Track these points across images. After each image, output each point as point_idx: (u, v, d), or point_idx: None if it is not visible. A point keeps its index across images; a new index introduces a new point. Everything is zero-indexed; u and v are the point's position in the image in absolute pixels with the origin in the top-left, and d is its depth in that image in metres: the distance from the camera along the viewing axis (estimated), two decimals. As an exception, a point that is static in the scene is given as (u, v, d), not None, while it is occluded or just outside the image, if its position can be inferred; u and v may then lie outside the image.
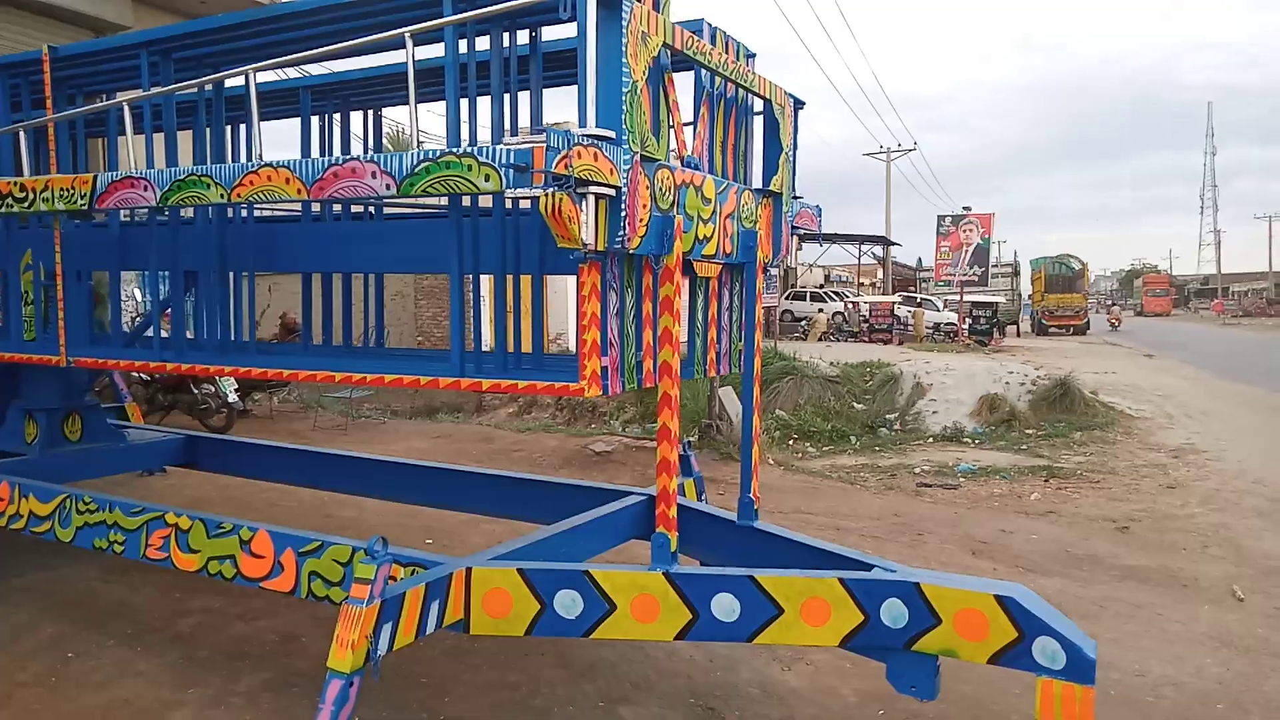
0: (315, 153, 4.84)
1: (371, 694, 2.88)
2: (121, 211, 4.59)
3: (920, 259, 50.39)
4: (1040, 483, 8.32)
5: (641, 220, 2.81)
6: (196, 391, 10.09)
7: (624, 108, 2.70)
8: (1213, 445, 10.19)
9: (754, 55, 3.73)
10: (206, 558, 3.59)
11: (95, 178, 3.70)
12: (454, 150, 2.74)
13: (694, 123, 3.44)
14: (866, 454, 9.89)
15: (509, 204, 3.56)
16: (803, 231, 4.09)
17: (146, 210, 4.18)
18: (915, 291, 38.82)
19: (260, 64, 3.44)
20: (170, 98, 4.17)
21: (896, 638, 2.74)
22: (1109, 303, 76.74)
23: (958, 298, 29.58)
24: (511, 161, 2.58)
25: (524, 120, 3.85)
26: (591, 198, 2.60)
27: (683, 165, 3.15)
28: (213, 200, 3.31)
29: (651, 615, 2.90)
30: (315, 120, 4.85)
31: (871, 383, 12.71)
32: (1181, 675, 4.06)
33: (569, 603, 2.93)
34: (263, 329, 7.32)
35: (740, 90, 3.62)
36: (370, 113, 4.94)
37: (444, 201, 3.19)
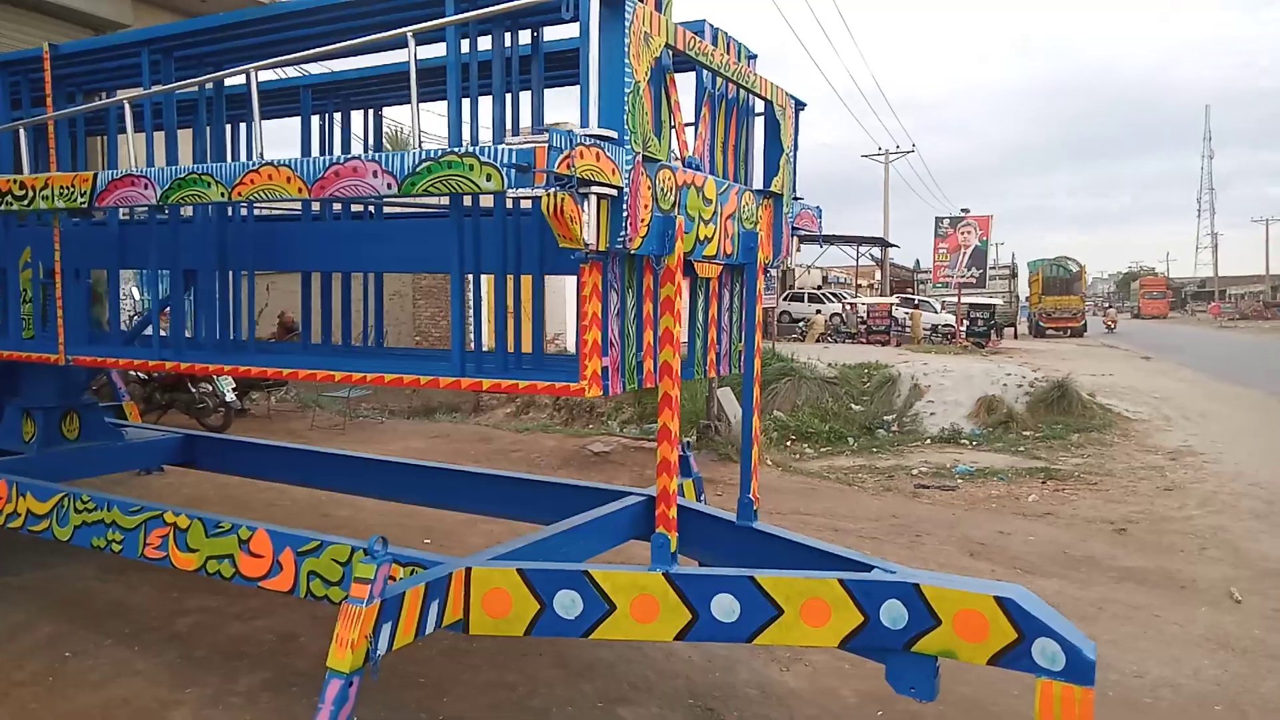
0: (315, 152, 4.84)
1: (370, 694, 2.88)
2: (121, 210, 4.59)
3: (918, 261, 50.44)
4: (1038, 484, 8.33)
5: (643, 220, 2.81)
6: (194, 390, 10.07)
7: (626, 108, 2.70)
8: (1210, 447, 10.20)
9: (755, 56, 3.73)
10: (205, 557, 3.59)
11: (95, 176, 3.70)
12: (456, 150, 2.74)
13: (695, 123, 3.45)
14: (864, 455, 9.90)
15: (509, 204, 3.56)
16: (803, 233, 4.10)
17: (146, 209, 4.18)
18: (913, 293, 38.86)
19: (262, 63, 3.44)
20: (170, 96, 4.17)
21: (896, 639, 2.74)
22: (1105, 305, 76.86)
23: (955, 299, 29.62)
24: (513, 161, 2.58)
25: (524, 120, 3.85)
26: (593, 198, 2.61)
27: (684, 166, 3.15)
28: (213, 199, 3.31)
29: (651, 616, 2.90)
30: (315, 119, 4.85)
31: (869, 384, 12.73)
32: (1179, 677, 4.07)
33: (569, 603, 2.93)
34: (260, 328, 7.30)
35: (741, 91, 3.62)
36: (370, 112, 4.94)
37: (443, 201, 3.19)
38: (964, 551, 6.05)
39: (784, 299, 31.85)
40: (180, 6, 10.66)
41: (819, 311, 30.19)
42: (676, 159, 3.20)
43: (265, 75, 3.96)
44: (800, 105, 3.89)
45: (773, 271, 7.32)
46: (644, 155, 2.79)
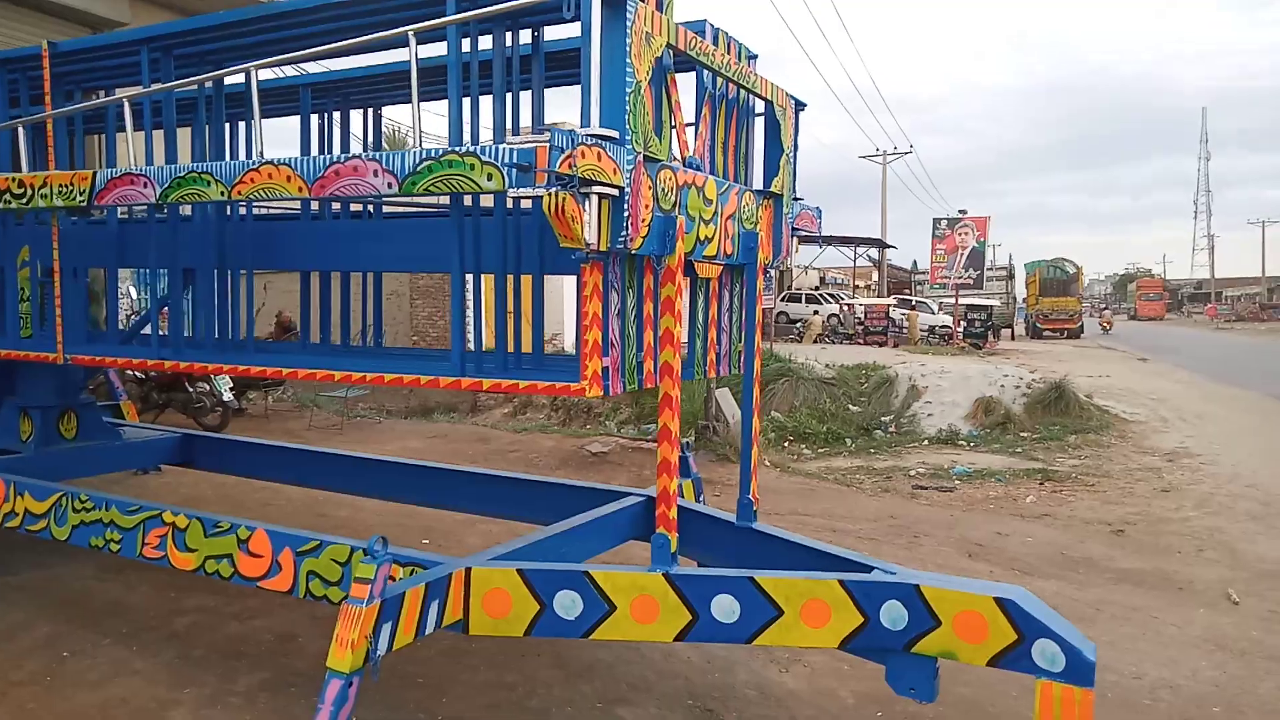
0: (314, 151, 4.84)
1: (369, 694, 2.87)
2: (119, 208, 4.57)
3: (915, 262, 50.52)
4: (1035, 485, 8.34)
5: (644, 220, 2.80)
6: (191, 390, 10.05)
7: (628, 108, 2.70)
8: (1207, 449, 10.22)
9: (755, 56, 3.73)
10: (204, 557, 3.58)
11: (95, 174, 3.69)
12: (457, 149, 2.74)
13: (695, 123, 3.45)
14: (862, 456, 9.91)
15: (509, 204, 3.56)
16: (803, 233, 4.10)
17: (145, 207, 4.17)
18: (910, 294, 38.90)
19: (262, 61, 3.44)
20: (170, 94, 4.16)
21: (896, 639, 2.74)
22: (1102, 306, 77.02)
23: (953, 300, 29.64)
24: (515, 161, 2.58)
25: (523, 120, 3.85)
26: (595, 198, 2.60)
27: (684, 166, 3.15)
28: (213, 198, 3.30)
29: (651, 616, 2.89)
30: (314, 118, 4.84)
31: (867, 385, 12.74)
32: (1178, 678, 4.07)
33: (569, 603, 2.93)
34: (258, 327, 7.28)
35: (742, 91, 3.62)
36: (370, 111, 4.94)
37: (442, 201, 3.18)
38: (962, 552, 6.06)
39: (781, 300, 31.89)
40: (178, 5, 10.63)
41: (816, 312, 30.22)
42: (676, 159, 3.20)
43: (264, 74, 3.96)
44: (800, 106, 3.89)
45: (771, 272, 7.33)
46: (645, 155, 2.79)
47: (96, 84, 4.98)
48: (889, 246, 39.45)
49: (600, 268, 2.79)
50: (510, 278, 3.56)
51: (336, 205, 4.72)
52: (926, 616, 2.69)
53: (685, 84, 3.42)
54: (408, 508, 5.40)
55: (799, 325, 29.15)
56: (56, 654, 4.02)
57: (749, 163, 3.81)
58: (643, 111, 2.78)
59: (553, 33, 3.77)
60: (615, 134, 2.67)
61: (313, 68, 6.89)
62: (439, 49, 3.77)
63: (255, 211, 4.84)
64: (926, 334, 27.63)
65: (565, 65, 3.89)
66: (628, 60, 2.68)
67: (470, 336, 3.49)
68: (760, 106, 3.77)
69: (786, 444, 10.40)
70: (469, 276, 3.61)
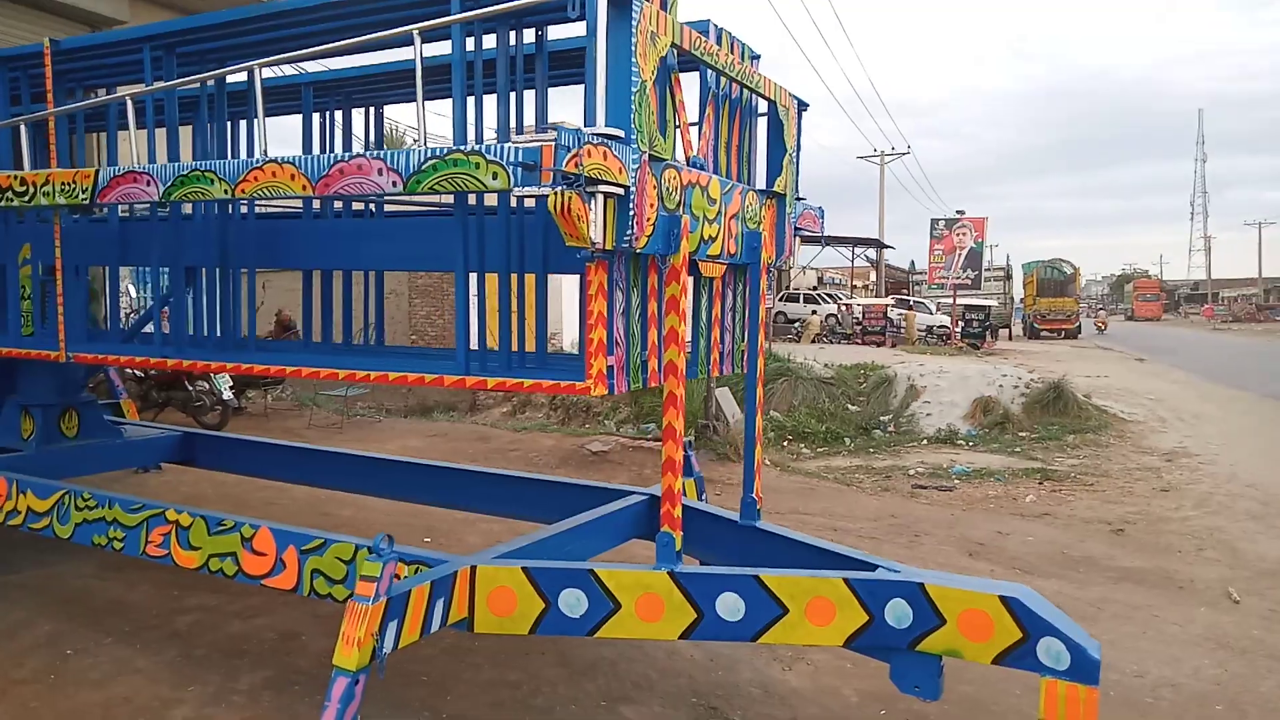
0: (315, 149, 4.84)
1: (373, 692, 2.87)
2: (120, 206, 4.57)
3: (913, 262, 50.59)
4: (1035, 485, 8.36)
5: (649, 220, 2.81)
6: (191, 388, 10.03)
7: (633, 107, 2.70)
8: (1205, 449, 10.25)
9: (759, 56, 3.73)
10: (207, 555, 3.58)
11: (98, 172, 3.68)
12: (461, 148, 2.74)
13: (699, 123, 3.45)
14: (861, 455, 9.92)
15: (513, 202, 3.56)
16: (805, 233, 4.10)
17: (147, 206, 4.16)
18: (908, 294, 38.92)
19: (265, 60, 3.43)
20: (172, 93, 4.15)
21: (901, 638, 2.75)
22: (1098, 307, 77.12)
23: (951, 301, 29.66)
24: (520, 160, 2.58)
25: (527, 119, 3.85)
26: (600, 196, 2.60)
27: (688, 165, 3.16)
28: (216, 196, 3.30)
29: (656, 614, 2.90)
30: (315, 117, 4.84)
31: (865, 385, 12.74)
32: (1179, 676, 4.08)
33: (573, 601, 2.93)
34: (258, 326, 7.28)
35: (745, 91, 3.63)
36: (372, 110, 4.93)
37: (444, 200, 3.18)
38: (963, 551, 6.07)
39: (780, 299, 31.90)
40: (178, 4, 10.62)
41: (815, 312, 30.23)
42: (680, 159, 3.20)
43: (266, 72, 3.96)
44: (803, 106, 3.89)
45: (770, 271, 7.32)
46: (650, 154, 2.79)
47: (97, 82, 4.97)
48: (887, 247, 39.48)
49: (605, 267, 2.79)
50: (514, 277, 3.57)
51: (338, 204, 4.72)
52: (931, 615, 2.70)
53: (689, 83, 3.42)
54: (409, 506, 5.40)
55: (797, 325, 29.16)
56: (59, 652, 4.01)
57: (752, 162, 3.81)
58: (648, 111, 2.78)
59: (554, 32, 3.78)
60: (621, 133, 2.67)
61: (310, 67, 6.89)
62: (440, 49, 3.77)
63: (257, 210, 4.84)
64: (924, 334, 27.66)
65: (567, 64, 3.89)
66: (633, 59, 2.69)
67: (474, 335, 3.48)
68: (763, 106, 3.78)
69: (786, 443, 10.41)
70: (472, 275, 3.61)
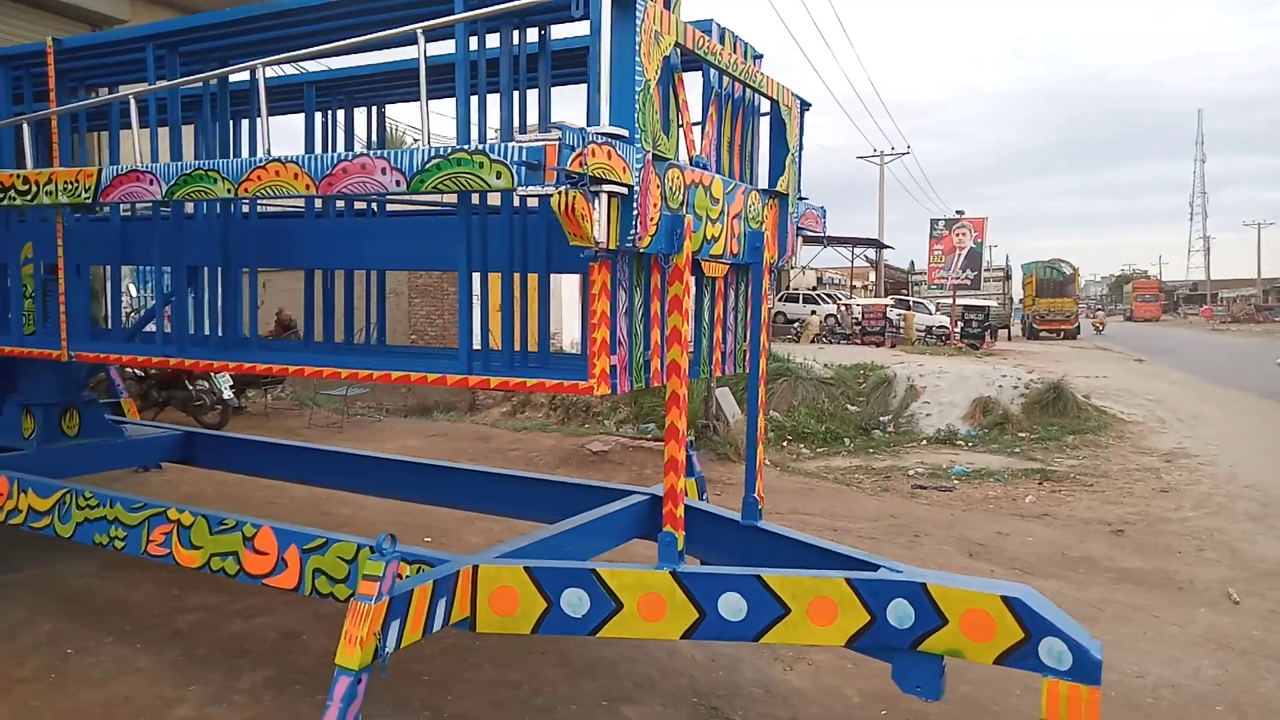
0: (318, 149, 4.83)
1: (374, 692, 2.87)
2: (122, 206, 4.56)
3: (913, 262, 50.59)
4: (1034, 485, 8.36)
5: (652, 219, 2.81)
6: (191, 388, 10.03)
7: (637, 106, 2.70)
8: (1204, 449, 10.26)
9: (761, 56, 3.74)
10: (209, 554, 3.58)
11: (100, 171, 3.68)
12: (465, 147, 2.74)
13: (702, 122, 3.45)
14: (861, 456, 9.92)
15: (516, 202, 3.56)
16: (808, 232, 4.10)
17: (149, 205, 4.16)
18: (908, 294, 38.93)
19: (268, 59, 3.43)
20: (175, 92, 4.15)
21: (903, 638, 2.75)
22: (1096, 308, 77.16)
23: (950, 301, 29.67)
24: (524, 159, 2.58)
25: (530, 118, 3.85)
26: (604, 196, 2.61)
27: (691, 165, 3.16)
28: (219, 195, 3.30)
29: (658, 614, 2.90)
30: (318, 116, 4.84)
31: (865, 385, 12.75)
32: (1179, 677, 4.09)
33: (576, 601, 2.93)
34: (259, 325, 7.27)
35: (748, 91, 3.63)
36: (374, 109, 4.93)
37: (446, 199, 3.18)
38: (963, 552, 6.07)
39: (779, 300, 31.90)
40: (178, 3, 10.61)
41: (814, 312, 30.23)
42: (683, 158, 3.21)
43: (268, 71, 3.96)
44: (805, 105, 3.89)
45: (772, 271, 7.31)
46: (654, 154, 2.80)
47: (99, 81, 4.97)
48: (886, 247, 39.48)
49: (609, 266, 2.79)
50: (517, 276, 3.57)
51: (340, 203, 4.72)
52: (933, 615, 2.71)
53: (691, 83, 3.43)
54: (408, 505, 5.41)
55: (796, 325, 29.16)
56: (59, 651, 4.01)
57: (755, 162, 3.81)
58: (651, 110, 2.79)
59: (558, 31, 3.78)
60: (625, 132, 2.67)
61: (312, 66, 6.89)
62: (442, 48, 3.77)
63: (259, 209, 4.84)
64: (924, 334, 27.66)
65: (569, 64, 3.89)
66: (637, 59, 2.69)
67: (477, 334, 3.48)
68: (766, 106, 3.78)
69: (785, 443, 10.41)
70: (475, 275, 3.61)
